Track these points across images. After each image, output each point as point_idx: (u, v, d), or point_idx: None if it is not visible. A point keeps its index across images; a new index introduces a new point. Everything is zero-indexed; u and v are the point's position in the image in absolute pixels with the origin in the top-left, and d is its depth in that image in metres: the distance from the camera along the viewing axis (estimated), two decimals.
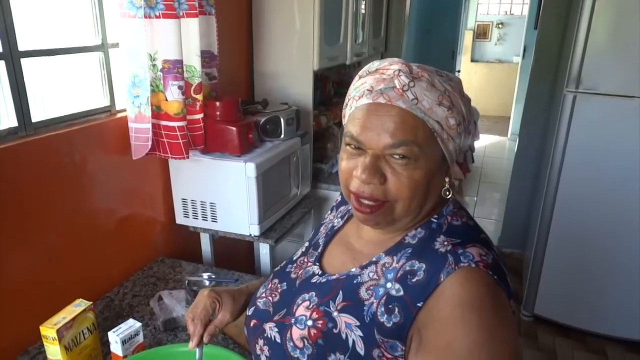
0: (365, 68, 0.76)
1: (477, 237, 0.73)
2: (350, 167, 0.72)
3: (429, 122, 0.69)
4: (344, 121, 0.78)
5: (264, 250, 1.77)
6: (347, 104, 0.77)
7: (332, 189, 2.22)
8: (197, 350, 0.88)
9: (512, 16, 7.88)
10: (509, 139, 6.46)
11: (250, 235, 1.69)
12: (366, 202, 0.71)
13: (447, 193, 0.74)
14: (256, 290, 0.93)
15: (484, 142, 6.29)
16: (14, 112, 1.20)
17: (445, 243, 0.71)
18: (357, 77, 0.76)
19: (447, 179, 0.74)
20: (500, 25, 7.96)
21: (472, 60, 8.07)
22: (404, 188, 0.69)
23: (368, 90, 0.71)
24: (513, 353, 0.63)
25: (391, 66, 0.71)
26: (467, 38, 7.52)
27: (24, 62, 1.20)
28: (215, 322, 0.88)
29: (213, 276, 1.53)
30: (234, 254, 2.15)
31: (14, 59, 1.17)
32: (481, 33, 8.06)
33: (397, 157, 0.68)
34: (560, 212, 2.39)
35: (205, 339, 0.87)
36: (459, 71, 6.15)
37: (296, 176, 1.93)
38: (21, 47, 1.19)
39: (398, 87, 0.69)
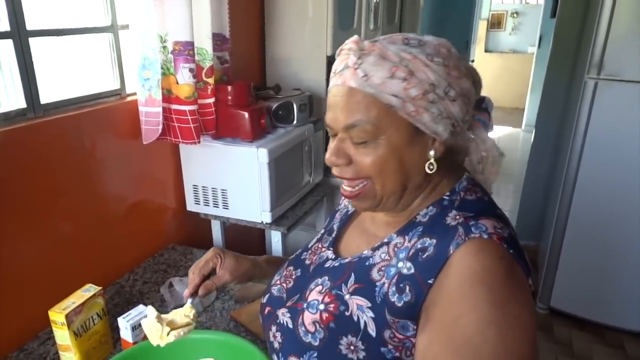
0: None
1: (492, 212, 0.69)
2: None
3: (383, 97, 0.64)
4: None
5: (275, 238, 1.74)
6: None
7: None
8: (190, 300, 0.85)
9: (527, 5, 7.73)
10: (524, 130, 6.36)
11: (262, 222, 1.66)
12: (346, 187, 0.72)
13: (431, 167, 0.69)
14: (272, 278, 0.91)
15: (497, 133, 6.20)
16: (23, 93, 1.18)
17: (457, 217, 0.67)
18: None
19: (431, 153, 0.69)
20: (515, 15, 7.82)
21: (486, 51, 7.95)
22: (368, 167, 0.68)
23: (333, 72, 0.71)
24: (525, 332, 0.57)
25: (346, 45, 0.69)
26: (481, 28, 7.40)
27: (32, 41, 1.18)
28: (213, 278, 0.88)
29: None
30: (245, 242, 2.13)
31: (22, 38, 1.14)
32: (495, 22, 7.92)
33: (356, 140, 0.68)
34: (578, 202, 2.33)
35: (200, 292, 0.86)
36: (472, 61, 6.05)
37: (308, 163, 1.89)
38: (29, 26, 1.16)
39: (350, 65, 0.67)
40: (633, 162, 2.16)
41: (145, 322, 0.80)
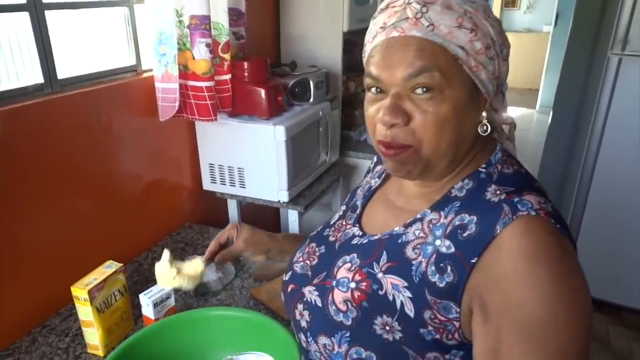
0: (378, 9, 0.69)
1: (532, 185, 0.66)
2: (374, 113, 0.67)
3: (450, 48, 0.61)
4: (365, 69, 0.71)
5: (292, 217, 1.73)
6: (364, 51, 0.71)
7: (361, 157, 2.15)
8: (204, 264, 0.92)
9: None
10: (538, 111, 6.26)
11: (279, 201, 1.65)
12: (392, 149, 0.66)
13: (485, 128, 0.66)
14: (292, 255, 0.89)
15: (511, 114, 6.10)
16: (40, 68, 1.16)
17: (498, 192, 0.64)
18: (371, 21, 0.70)
19: (484, 114, 0.66)
20: None
21: None
22: (430, 125, 0.63)
23: (381, 27, 0.65)
24: (587, 302, 0.57)
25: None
26: (495, 6, 7.24)
27: (48, 15, 1.15)
28: (230, 247, 0.94)
29: None
30: (260, 221, 2.11)
31: (38, 11, 1.12)
32: (510, 1, 7.74)
33: (419, 91, 0.62)
34: (598, 183, 2.29)
35: (216, 259, 0.93)
36: None
37: (325, 142, 1.87)
38: None
39: (411, 16, 0.62)
40: None
41: (158, 264, 0.88)
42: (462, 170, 0.71)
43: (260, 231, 0.98)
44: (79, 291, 1.02)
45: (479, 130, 0.67)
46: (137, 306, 1.18)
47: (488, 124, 0.67)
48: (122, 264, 1.11)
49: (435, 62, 0.61)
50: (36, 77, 1.17)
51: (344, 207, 0.91)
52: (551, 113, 3.14)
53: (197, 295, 1.27)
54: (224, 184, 1.70)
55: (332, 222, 0.88)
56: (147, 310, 1.10)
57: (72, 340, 1.12)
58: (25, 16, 1.11)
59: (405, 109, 0.64)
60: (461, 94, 0.63)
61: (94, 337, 1.06)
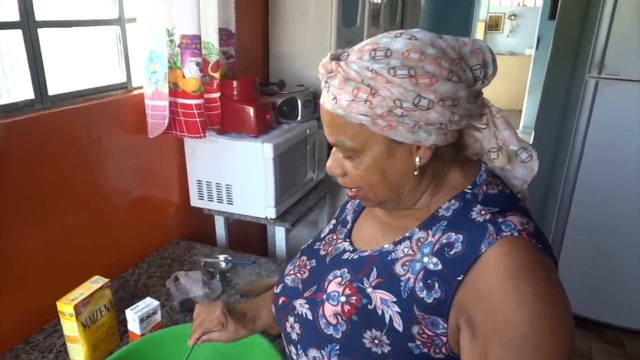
0: None
1: (516, 206, 0.69)
2: None
3: (352, 118, 0.64)
4: None
5: (279, 234, 1.74)
6: None
7: None
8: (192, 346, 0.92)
9: (525, 8, 7.76)
10: (521, 131, 6.37)
11: (267, 218, 1.66)
12: (348, 191, 0.76)
13: (416, 173, 0.69)
14: (284, 268, 0.91)
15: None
16: (31, 84, 1.17)
17: (483, 212, 0.66)
18: None
19: (417, 159, 0.67)
20: (512, 17, 7.84)
21: None
22: (357, 179, 0.72)
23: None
24: (570, 318, 0.60)
25: (321, 62, 0.68)
26: (479, 30, 7.43)
27: (41, 32, 1.17)
28: (212, 335, 0.92)
29: (229, 258, 1.50)
30: (246, 238, 2.12)
31: (30, 28, 1.14)
32: (493, 25, 7.95)
33: (342, 153, 0.71)
34: (579, 201, 2.34)
35: (199, 342, 0.92)
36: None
37: (312, 160, 1.89)
38: (38, 17, 1.16)
39: (323, 87, 0.68)
40: (634, 161, 2.18)
41: None
42: (446, 192, 0.73)
43: (243, 323, 0.94)
44: (65, 306, 1.02)
45: (414, 173, 0.69)
46: (122, 322, 1.18)
47: (419, 170, 0.68)
48: (108, 279, 1.11)
49: (344, 133, 0.67)
50: (27, 92, 1.18)
51: (334, 221, 0.93)
52: (533, 133, 3.22)
53: (183, 311, 1.27)
54: (212, 201, 1.71)
55: (322, 236, 0.90)
56: (133, 326, 1.10)
57: (56, 357, 1.11)
58: (18, 33, 1.13)
59: (342, 162, 0.73)
60: (378, 150, 0.67)
61: (79, 353, 1.06)
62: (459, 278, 0.62)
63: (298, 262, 0.87)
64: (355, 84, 0.63)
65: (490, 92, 0.77)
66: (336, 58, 0.66)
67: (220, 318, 0.91)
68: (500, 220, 0.64)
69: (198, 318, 0.92)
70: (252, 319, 0.95)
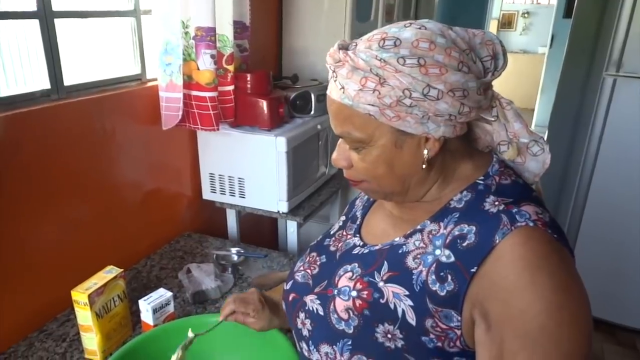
0: None
1: (529, 196, 0.67)
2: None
3: (360, 108, 0.63)
4: None
5: (291, 229, 1.74)
6: None
7: None
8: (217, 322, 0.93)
9: (538, 5, 7.67)
10: (533, 130, 6.31)
11: (279, 212, 1.65)
12: (352, 181, 0.75)
13: (424, 166, 0.67)
14: (293, 265, 0.90)
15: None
16: (47, 74, 1.17)
17: (496, 203, 0.65)
18: None
19: (425, 151, 0.66)
20: (525, 15, 7.76)
21: None
22: (363, 170, 0.70)
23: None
24: (588, 308, 0.59)
25: (329, 52, 0.67)
26: (492, 27, 7.35)
27: (57, 23, 1.17)
28: (247, 319, 0.93)
29: (242, 251, 1.50)
30: (257, 232, 2.12)
31: (47, 18, 1.14)
32: (506, 22, 7.87)
33: (349, 145, 0.70)
34: (593, 201, 2.31)
35: (228, 319, 0.93)
36: None
37: (325, 155, 1.88)
38: (55, 7, 1.16)
39: (330, 77, 0.67)
40: None
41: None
42: (457, 183, 0.71)
43: (277, 314, 0.95)
44: (79, 295, 1.02)
45: (422, 166, 0.68)
46: (135, 313, 1.18)
47: (427, 162, 0.67)
48: (122, 270, 1.11)
49: (352, 124, 0.66)
50: (43, 82, 1.18)
51: (343, 218, 0.92)
52: (546, 132, 3.19)
53: (195, 303, 1.27)
54: (224, 194, 1.71)
55: (332, 232, 0.89)
56: (146, 316, 1.10)
57: (70, 345, 1.12)
58: (35, 23, 1.13)
59: (348, 154, 0.71)
60: (386, 142, 0.66)
61: (92, 342, 1.06)
62: (472, 270, 0.61)
63: (308, 258, 0.87)
64: (363, 73, 0.62)
65: (503, 90, 0.75)
66: (344, 47, 0.65)
67: (257, 304, 0.92)
68: (514, 210, 0.63)
69: (233, 301, 0.93)
70: (276, 308, 0.95)
